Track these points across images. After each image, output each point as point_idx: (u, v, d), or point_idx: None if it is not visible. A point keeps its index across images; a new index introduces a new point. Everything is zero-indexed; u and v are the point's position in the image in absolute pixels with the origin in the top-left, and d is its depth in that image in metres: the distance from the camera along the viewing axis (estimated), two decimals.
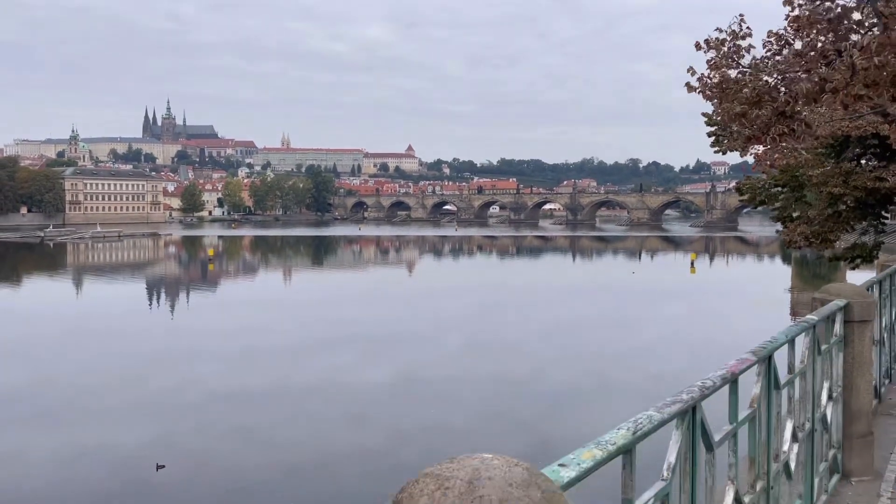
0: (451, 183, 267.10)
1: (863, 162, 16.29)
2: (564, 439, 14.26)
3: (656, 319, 33.64)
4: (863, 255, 17.22)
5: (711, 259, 79.47)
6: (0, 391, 20.65)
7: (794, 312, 32.78)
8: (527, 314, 36.03)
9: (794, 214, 16.41)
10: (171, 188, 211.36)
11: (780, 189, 17.08)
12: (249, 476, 14.24)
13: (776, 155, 10.85)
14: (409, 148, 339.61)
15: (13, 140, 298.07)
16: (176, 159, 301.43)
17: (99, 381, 22.17)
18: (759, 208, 25.66)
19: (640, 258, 78.91)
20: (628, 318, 34.25)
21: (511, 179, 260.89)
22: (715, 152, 14.26)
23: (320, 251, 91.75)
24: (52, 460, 15.31)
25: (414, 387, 21.28)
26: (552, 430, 16.57)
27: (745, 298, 40.40)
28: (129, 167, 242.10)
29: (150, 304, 42.81)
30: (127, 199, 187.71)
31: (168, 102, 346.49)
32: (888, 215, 19.22)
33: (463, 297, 43.13)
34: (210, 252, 78.39)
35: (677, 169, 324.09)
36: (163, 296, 47.32)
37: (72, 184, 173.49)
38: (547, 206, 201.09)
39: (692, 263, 64.78)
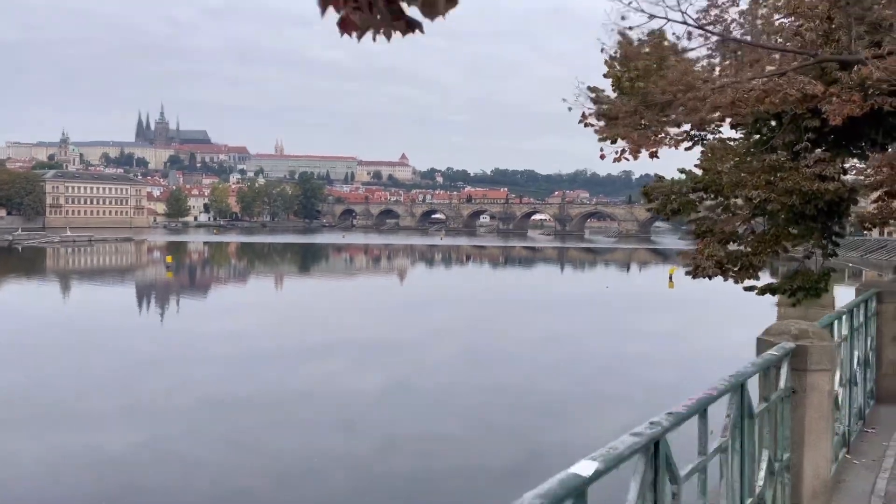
0: (442, 192, 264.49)
1: (808, 154, 11.50)
2: (553, 448, 14.79)
3: (624, 334, 32.67)
4: (806, 288, 13.13)
5: None
6: None
7: None
8: (514, 324, 35.48)
9: (715, 228, 12.36)
10: (158, 193, 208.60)
11: (701, 195, 13.17)
12: (237, 483, 13.94)
13: (655, 137, 7.52)
14: (403, 156, 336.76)
15: (5, 142, 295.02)
16: (168, 164, 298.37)
17: (70, 388, 21.15)
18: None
19: (628, 270, 77.88)
20: (601, 331, 34.11)
21: (503, 189, 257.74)
22: (600, 140, 10.58)
23: (304, 258, 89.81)
24: (38, 465, 14.72)
25: (403, 395, 20.89)
26: (542, 440, 16.25)
27: (726, 313, 38.53)
28: (118, 171, 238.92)
29: (92, 312, 40.20)
30: (110, 203, 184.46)
31: (162, 107, 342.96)
32: (840, 230, 13.96)
33: (450, 306, 42.58)
34: (168, 259, 75.67)
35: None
36: (117, 303, 44.98)
37: (53, 186, 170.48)
38: (536, 217, 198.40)
39: (670, 277, 62.06)
